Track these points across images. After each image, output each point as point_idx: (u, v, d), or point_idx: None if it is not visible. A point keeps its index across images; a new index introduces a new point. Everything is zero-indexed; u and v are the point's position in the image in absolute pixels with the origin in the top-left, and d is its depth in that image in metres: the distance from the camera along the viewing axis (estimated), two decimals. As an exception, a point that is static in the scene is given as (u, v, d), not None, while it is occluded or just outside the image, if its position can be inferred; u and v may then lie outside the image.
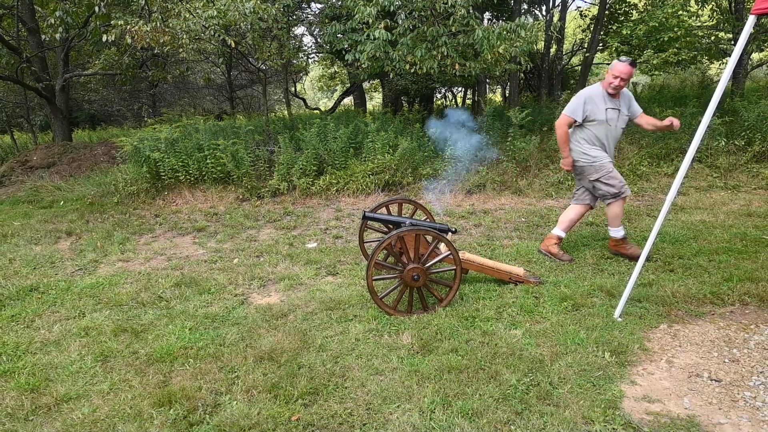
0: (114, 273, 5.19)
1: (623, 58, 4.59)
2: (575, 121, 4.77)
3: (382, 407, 2.81)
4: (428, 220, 4.91)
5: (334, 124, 9.02)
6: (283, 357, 3.32)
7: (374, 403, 2.84)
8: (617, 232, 4.90)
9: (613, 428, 2.59)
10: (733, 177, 7.72)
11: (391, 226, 4.54)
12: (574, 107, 4.74)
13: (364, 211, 4.50)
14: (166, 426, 2.73)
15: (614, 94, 4.67)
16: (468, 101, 15.36)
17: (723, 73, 3.12)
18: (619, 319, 3.65)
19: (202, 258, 5.58)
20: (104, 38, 7.29)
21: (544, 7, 13.39)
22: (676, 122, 4.53)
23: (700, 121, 3.22)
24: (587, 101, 4.70)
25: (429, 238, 4.15)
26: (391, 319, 3.79)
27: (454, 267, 3.94)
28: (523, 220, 6.45)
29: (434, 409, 2.76)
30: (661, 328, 3.59)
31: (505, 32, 7.27)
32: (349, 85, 15.64)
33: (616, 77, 4.54)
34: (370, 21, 7.22)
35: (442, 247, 4.21)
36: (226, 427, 2.68)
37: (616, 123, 4.74)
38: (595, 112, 4.70)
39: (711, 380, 3.00)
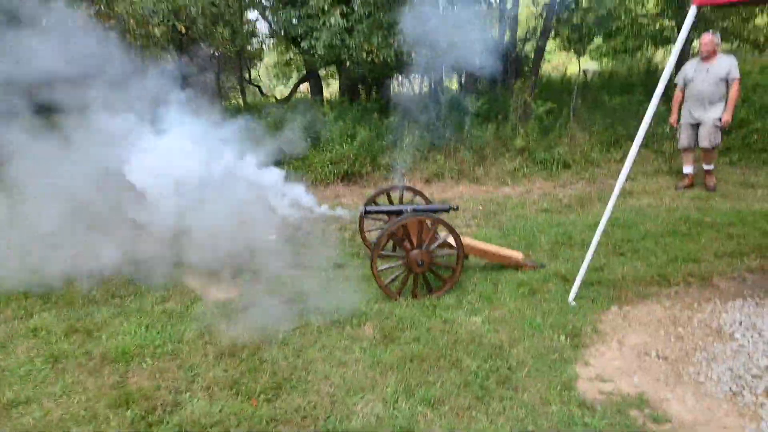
0: (62, 270, 4.96)
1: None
2: (683, 86, 6.44)
3: (345, 399, 2.82)
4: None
5: (290, 113, 8.86)
6: (245, 352, 3.29)
7: (338, 395, 2.86)
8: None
9: (569, 409, 2.70)
10: (677, 162, 8.05)
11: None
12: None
13: (364, 206, 4.56)
14: (124, 427, 2.66)
15: (705, 58, 6.16)
16: (425, 88, 15.37)
17: (668, 60, 3.20)
18: (573, 303, 3.79)
19: (156, 252, 5.41)
20: (44, 22, 6.90)
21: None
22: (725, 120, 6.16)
23: (646, 108, 3.32)
24: (683, 69, 6.44)
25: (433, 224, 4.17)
26: (353, 310, 3.80)
27: (456, 250, 3.98)
28: (481, 208, 6.55)
29: (397, 398, 2.80)
30: (612, 310, 3.75)
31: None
32: (305, 72, 15.38)
33: (701, 44, 6.18)
34: (326, 7, 7.12)
35: (442, 232, 4.23)
36: (187, 426, 2.64)
37: (702, 81, 6.14)
38: (686, 73, 6.37)
39: (658, 358, 3.16)
